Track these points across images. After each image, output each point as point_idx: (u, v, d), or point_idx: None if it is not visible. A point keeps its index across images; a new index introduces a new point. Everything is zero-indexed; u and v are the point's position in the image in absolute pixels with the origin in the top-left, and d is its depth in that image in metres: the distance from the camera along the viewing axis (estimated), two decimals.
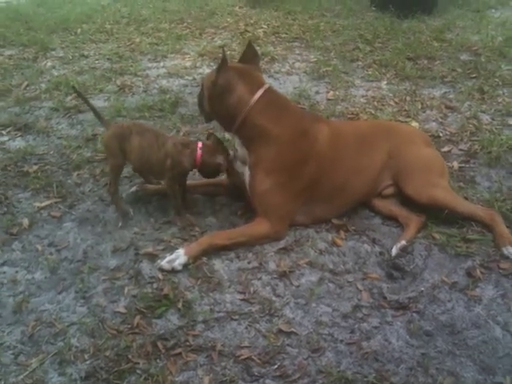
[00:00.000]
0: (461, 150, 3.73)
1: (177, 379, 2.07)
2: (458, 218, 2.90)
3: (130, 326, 2.30)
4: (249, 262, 2.69)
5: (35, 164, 3.55)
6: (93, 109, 3.08)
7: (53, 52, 5.77)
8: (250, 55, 2.97)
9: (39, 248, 2.78)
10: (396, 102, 4.48)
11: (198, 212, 3.08)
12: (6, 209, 3.09)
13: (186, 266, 2.60)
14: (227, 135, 3.67)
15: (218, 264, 2.67)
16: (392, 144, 3.08)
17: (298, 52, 5.73)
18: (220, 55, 2.78)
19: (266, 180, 2.81)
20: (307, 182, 2.87)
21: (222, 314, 2.37)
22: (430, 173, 3.03)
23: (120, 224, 2.95)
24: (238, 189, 3.05)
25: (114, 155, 2.95)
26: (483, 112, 4.30)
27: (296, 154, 2.82)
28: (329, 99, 4.55)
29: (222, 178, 3.24)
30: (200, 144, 2.91)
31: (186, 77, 5.05)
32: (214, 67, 2.89)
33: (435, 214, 2.96)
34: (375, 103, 4.47)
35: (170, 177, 2.92)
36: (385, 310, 2.41)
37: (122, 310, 2.38)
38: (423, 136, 3.38)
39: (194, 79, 4.97)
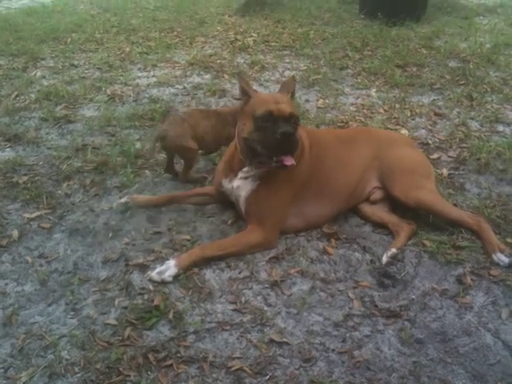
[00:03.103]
0: (450, 156, 3.75)
1: None
2: (448, 225, 2.92)
3: (120, 338, 2.28)
4: (240, 272, 2.68)
5: (25, 175, 3.53)
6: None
7: (42, 62, 5.76)
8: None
9: (29, 260, 2.76)
10: (385, 110, 4.51)
11: (188, 222, 3.07)
12: None
13: (176, 277, 2.59)
14: None
15: (208, 274, 2.66)
16: (373, 145, 3.15)
17: (287, 60, 5.76)
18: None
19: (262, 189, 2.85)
20: (298, 187, 2.92)
21: (213, 325, 2.36)
22: (415, 173, 3.06)
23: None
24: (225, 197, 3.06)
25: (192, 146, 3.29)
26: (472, 119, 4.34)
27: None
28: (319, 107, 4.57)
29: (208, 187, 3.24)
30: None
31: (177, 86, 5.05)
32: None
33: (425, 221, 2.97)
34: (365, 111, 4.49)
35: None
36: (376, 318, 2.41)
37: (113, 322, 2.36)
38: (405, 138, 3.47)
39: (185, 88, 4.97)
